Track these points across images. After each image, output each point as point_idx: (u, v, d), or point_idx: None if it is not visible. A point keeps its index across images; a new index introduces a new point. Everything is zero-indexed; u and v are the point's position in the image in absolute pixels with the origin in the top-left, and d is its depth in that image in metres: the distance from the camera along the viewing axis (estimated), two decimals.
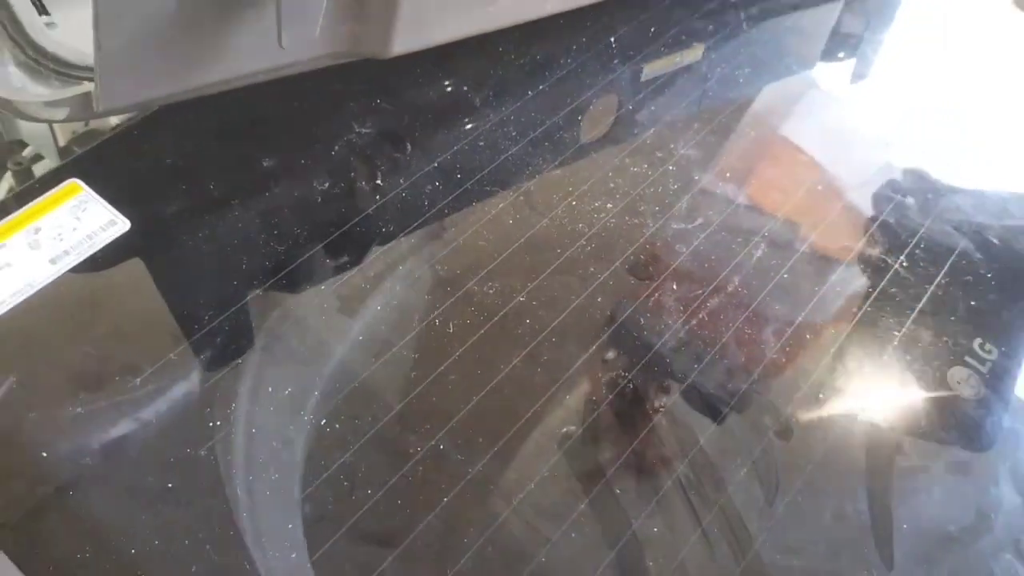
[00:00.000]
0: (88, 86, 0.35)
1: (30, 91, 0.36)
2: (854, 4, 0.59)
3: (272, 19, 0.34)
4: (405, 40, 0.40)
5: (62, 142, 0.44)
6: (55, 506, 0.30)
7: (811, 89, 0.53)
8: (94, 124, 0.45)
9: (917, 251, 0.43)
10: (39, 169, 0.47)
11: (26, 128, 0.47)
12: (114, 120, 0.45)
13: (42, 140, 0.46)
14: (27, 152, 0.47)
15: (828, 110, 0.52)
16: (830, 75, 0.54)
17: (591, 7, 0.47)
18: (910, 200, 0.45)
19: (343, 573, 0.30)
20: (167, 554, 0.29)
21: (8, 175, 0.49)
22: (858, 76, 0.54)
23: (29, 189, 0.37)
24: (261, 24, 0.34)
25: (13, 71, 0.36)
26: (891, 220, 0.44)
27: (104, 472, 0.31)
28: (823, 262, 0.42)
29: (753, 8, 0.54)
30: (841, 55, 0.56)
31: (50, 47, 0.37)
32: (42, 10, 0.38)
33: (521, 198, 0.41)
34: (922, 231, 0.44)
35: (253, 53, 0.35)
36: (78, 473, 0.30)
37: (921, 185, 0.46)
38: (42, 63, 0.37)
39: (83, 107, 0.35)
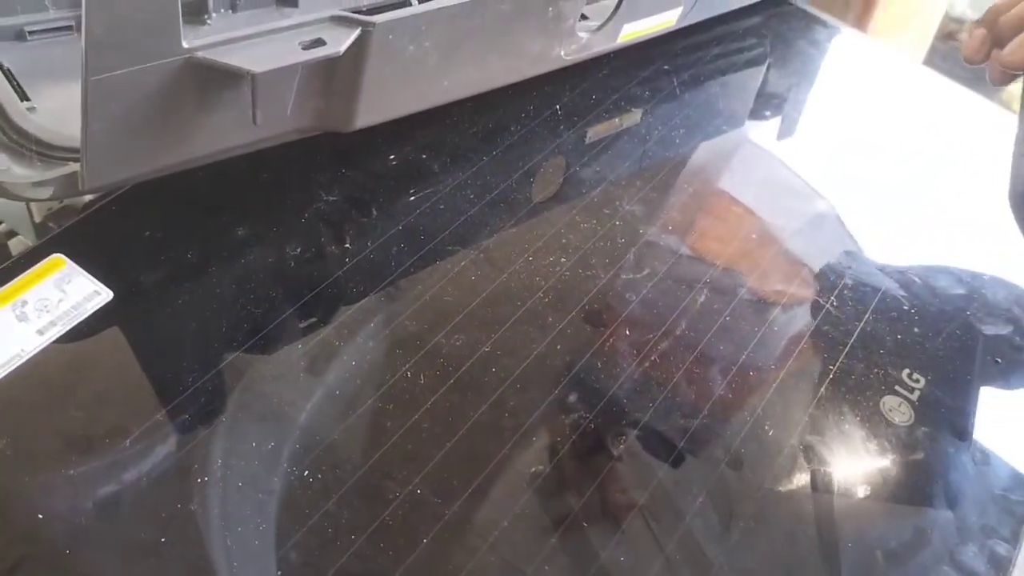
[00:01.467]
0: (73, 166, 0.37)
1: (15, 172, 0.38)
2: (777, 67, 0.63)
3: (247, 101, 0.37)
4: (367, 116, 0.43)
5: (38, 218, 0.46)
6: (54, 565, 0.31)
7: (742, 145, 0.57)
8: (68, 201, 0.47)
9: (846, 291, 0.47)
10: (14, 244, 0.48)
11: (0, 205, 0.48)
12: (88, 196, 0.47)
13: (16, 217, 0.47)
14: (1, 228, 0.49)
15: (759, 165, 0.56)
16: (759, 132, 0.58)
17: (536, 79, 0.51)
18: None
19: None
20: None
21: None
22: (784, 133, 0.59)
23: (12, 266, 0.39)
24: (237, 105, 0.37)
25: None
26: (820, 264, 0.48)
27: (100, 530, 0.32)
28: (761, 305, 0.45)
29: (684, 74, 0.58)
30: (768, 114, 0.60)
31: (31, 130, 0.39)
32: (23, 96, 0.41)
33: (481, 255, 0.44)
34: (849, 272, 0.48)
35: (229, 131, 0.38)
36: (74, 532, 0.32)
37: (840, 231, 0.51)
38: (25, 145, 0.39)
39: (67, 186, 0.37)
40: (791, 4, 0.69)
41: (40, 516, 0.32)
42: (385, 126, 0.45)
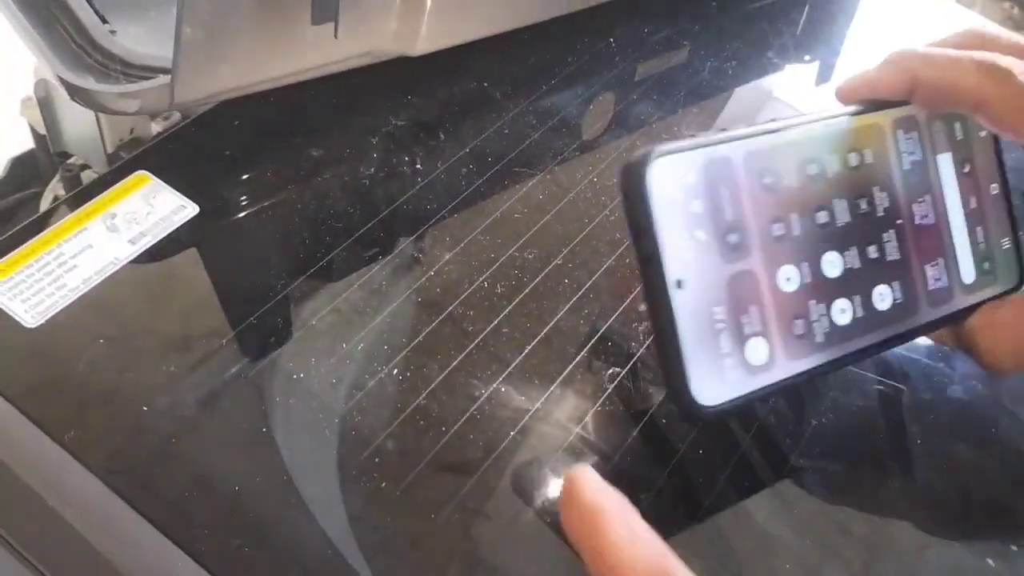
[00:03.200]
0: (162, 79, 0.38)
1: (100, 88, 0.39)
2: (816, 7, 0.64)
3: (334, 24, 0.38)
4: (432, 40, 0.44)
5: (110, 149, 0.47)
6: (160, 454, 0.32)
7: (784, 82, 0.58)
8: (138, 132, 0.48)
9: None
10: (85, 177, 0.49)
11: (71, 139, 0.49)
12: (155, 127, 0.49)
13: (87, 149, 0.49)
14: (72, 161, 0.50)
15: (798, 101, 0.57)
16: (804, 71, 0.59)
17: (588, 13, 0.52)
18: None
19: (429, 499, 0.33)
20: (267, 490, 0.32)
21: (53, 184, 0.52)
22: (823, 74, 0.59)
23: (98, 182, 0.40)
24: (326, 26, 0.38)
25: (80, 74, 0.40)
26: None
27: (201, 421, 0.34)
28: None
29: (732, 11, 0.59)
30: (808, 57, 0.61)
31: (115, 50, 0.40)
32: (103, 19, 0.42)
33: (548, 176, 0.45)
34: None
35: (312, 48, 0.39)
36: (178, 424, 0.33)
37: None
38: (110, 65, 0.40)
39: (155, 99, 0.38)
40: None
41: (145, 408, 0.33)
42: (446, 57, 0.45)
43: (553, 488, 0.34)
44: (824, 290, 0.32)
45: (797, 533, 0.35)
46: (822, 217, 0.32)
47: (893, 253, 0.34)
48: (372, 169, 0.43)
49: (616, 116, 0.50)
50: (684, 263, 0.29)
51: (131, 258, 0.37)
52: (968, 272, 0.36)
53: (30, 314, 0.35)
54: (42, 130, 0.50)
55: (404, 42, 0.42)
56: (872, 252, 0.33)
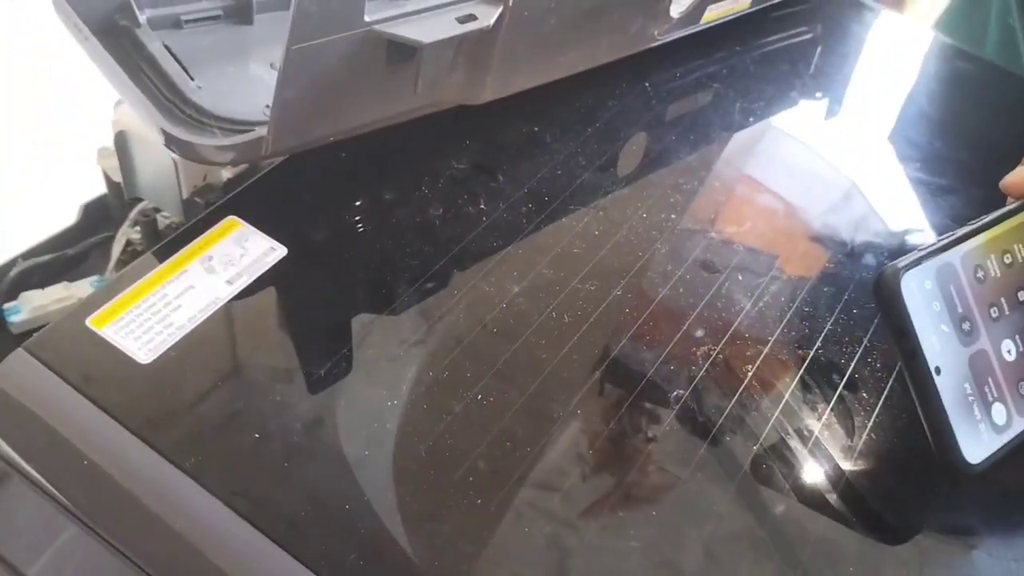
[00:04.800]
0: (258, 132, 0.41)
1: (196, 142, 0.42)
2: (827, 48, 0.68)
3: (410, 71, 0.41)
4: (495, 89, 0.47)
5: (185, 195, 0.50)
6: (276, 476, 0.35)
7: (806, 118, 0.62)
8: (210, 178, 0.51)
9: None
10: (159, 221, 0.52)
11: (145, 186, 0.52)
12: (226, 174, 0.52)
13: (162, 195, 0.52)
14: (145, 205, 0.53)
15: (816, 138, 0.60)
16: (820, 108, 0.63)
17: (625, 60, 0.56)
18: None
19: (521, 513, 0.36)
20: (374, 508, 0.35)
21: (124, 229, 0.55)
22: (835, 111, 0.63)
23: (192, 228, 0.43)
24: (401, 75, 0.41)
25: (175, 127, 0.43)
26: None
27: (310, 446, 0.36)
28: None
29: (755, 54, 0.63)
30: (819, 95, 0.65)
31: (206, 105, 0.44)
32: (191, 76, 0.45)
33: (600, 213, 0.48)
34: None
35: (392, 100, 0.43)
36: (289, 448, 0.36)
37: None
38: (203, 119, 0.43)
39: (249, 151, 0.41)
40: None
41: (257, 436, 0.36)
42: (500, 103, 0.49)
43: (629, 501, 0.37)
44: None
45: (857, 538, 0.38)
46: (1022, 296, 0.41)
47: None
48: (440, 210, 0.46)
49: (656, 155, 0.54)
50: (937, 352, 0.37)
51: (230, 297, 0.40)
52: None
53: (143, 351, 0.38)
54: (116, 177, 0.53)
55: (470, 94, 0.46)
56: None
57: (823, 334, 0.44)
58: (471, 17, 0.41)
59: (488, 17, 0.42)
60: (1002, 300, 0.40)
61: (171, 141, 0.41)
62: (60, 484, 0.35)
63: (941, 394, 0.37)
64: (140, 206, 0.53)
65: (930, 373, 0.37)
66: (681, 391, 0.41)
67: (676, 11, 0.54)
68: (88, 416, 0.36)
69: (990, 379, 0.39)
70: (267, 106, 0.41)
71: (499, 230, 0.46)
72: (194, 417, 0.36)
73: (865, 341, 0.44)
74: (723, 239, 0.49)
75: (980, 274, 0.40)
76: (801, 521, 0.38)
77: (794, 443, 0.40)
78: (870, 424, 0.41)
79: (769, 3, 0.62)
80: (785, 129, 0.60)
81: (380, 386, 0.39)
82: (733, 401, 0.41)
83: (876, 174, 0.57)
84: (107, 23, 0.45)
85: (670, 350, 0.42)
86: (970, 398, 0.38)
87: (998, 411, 0.39)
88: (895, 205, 0.56)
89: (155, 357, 0.38)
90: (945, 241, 0.39)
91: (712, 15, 0.57)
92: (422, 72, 0.41)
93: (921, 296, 0.37)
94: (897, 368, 0.43)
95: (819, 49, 0.69)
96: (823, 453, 0.40)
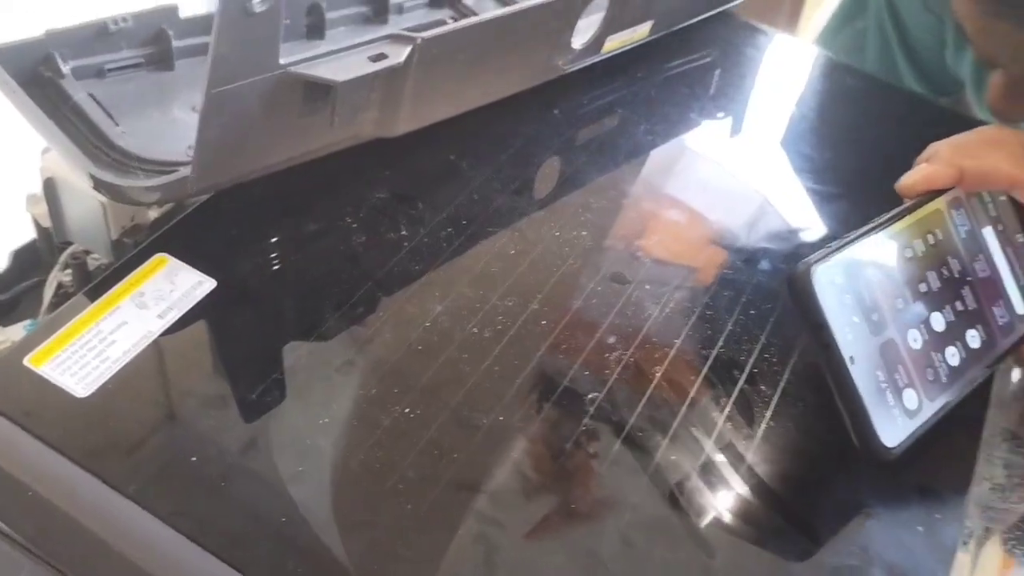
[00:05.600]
0: (181, 172, 0.43)
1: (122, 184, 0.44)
2: (725, 69, 0.73)
3: (325, 108, 0.44)
4: (408, 123, 0.50)
5: (114, 236, 0.52)
6: (214, 494, 0.37)
7: (702, 140, 0.66)
8: (137, 219, 0.53)
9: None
10: (90, 262, 0.54)
11: (74, 229, 0.54)
12: (152, 214, 0.53)
13: (91, 237, 0.53)
14: (75, 248, 0.54)
15: (714, 156, 0.65)
16: (717, 128, 0.67)
17: (536, 90, 0.59)
18: None
19: (450, 515, 0.38)
20: (309, 519, 0.37)
21: (55, 273, 0.56)
22: (736, 129, 0.68)
23: (122, 267, 0.45)
24: (317, 112, 0.44)
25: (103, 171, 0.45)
26: None
27: (246, 464, 0.38)
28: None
29: (657, 79, 0.67)
30: (721, 114, 0.69)
31: (131, 149, 0.46)
32: (115, 122, 0.47)
33: (516, 233, 0.51)
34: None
35: (310, 136, 0.45)
36: (226, 469, 0.38)
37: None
38: (129, 163, 0.45)
39: (174, 190, 0.43)
40: (734, 18, 0.79)
41: (194, 459, 0.38)
42: (417, 133, 0.52)
43: (550, 497, 0.40)
44: (938, 342, 0.43)
45: (760, 518, 0.41)
46: (923, 288, 0.44)
47: (972, 303, 0.46)
48: (363, 238, 0.49)
49: (567, 177, 0.57)
50: (850, 343, 0.40)
51: (162, 331, 0.42)
52: (1019, 305, 0.48)
53: (80, 385, 0.39)
54: (46, 223, 0.54)
55: (385, 127, 0.49)
56: (959, 306, 0.45)
57: (724, 335, 0.48)
58: (382, 56, 0.44)
59: (398, 55, 0.44)
60: (906, 291, 0.43)
61: (99, 184, 0.42)
62: (9, 519, 0.36)
63: (856, 382, 0.40)
64: (70, 249, 0.54)
65: (845, 363, 0.40)
66: (596, 394, 0.44)
67: (578, 43, 0.58)
68: (31, 450, 0.37)
69: (900, 367, 0.42)
70: (190, 147, 0.43)
71: (420, 254, 0.49)
72: (133, 444, 0.38)
73: (763, 339, 0.48)
74: (631, 252, 0.52)
75: (885, 268, 0.42)
76: (709, 506, 0.41)
77: (700, 435, 0.43)
78: (769, 414, 0.45)
79: (667, 31, 0.67)
80: (688, 147, 0.64)
81: (311, 406, 0.41)
82: (644, 400, 0.44)
83: (772, 185, 0.62)
84: (32, 75, 0.46)
85: (585, 357, 0.46)
86: (883, 385, 0.41)
87: (909, 396, 0.41)
88: (790, 213, 0.60)
89: (93, 391, 0.39)
90: (851, 237, 0.42)
91: (612, 45, 0.61)
92: (338, 109, 0.44)
93: (832, 290, 0.40)
94: (792, 361, 0.47)
95: (717, 71, 0.74)
96: (727, 443, 0.43)
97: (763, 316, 0.49)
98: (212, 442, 0.39)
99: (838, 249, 0.41)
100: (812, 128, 0.69)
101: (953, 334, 0.44)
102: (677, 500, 0.41)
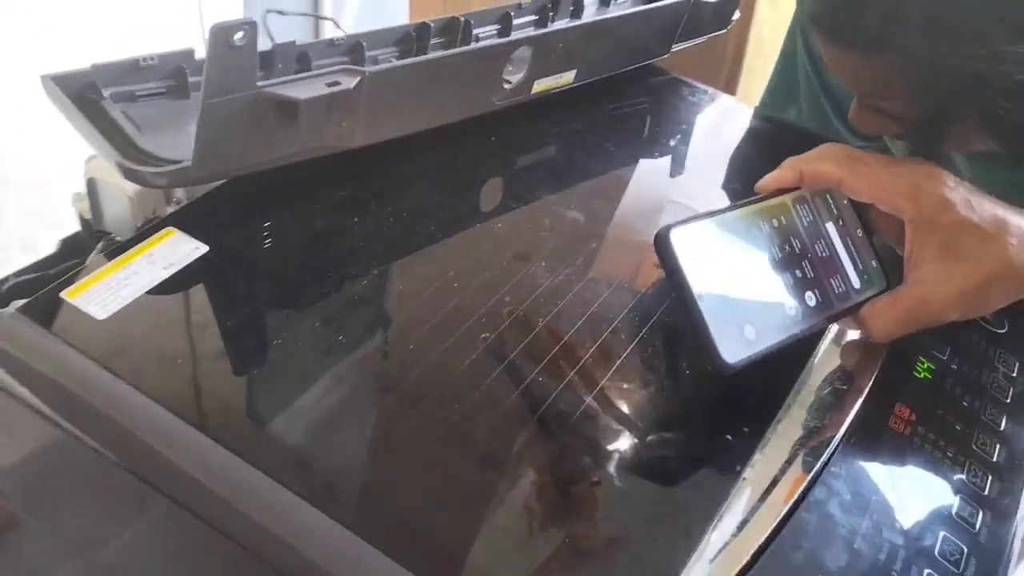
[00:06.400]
0: (183, 164, 0.58)
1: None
2: (657, 118, 0.87)
3: (295, 120, 0.59)
4: (365, 137, 0.65)
5: (138, 225, 0.67)
6: (191, 380, 0.51)
7: (640, 174, 0.80)
8: (158, 212, 0.68)
9: None
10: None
11: (110, 221, 0.69)
12: (169, 209, 0.69)
13: (122, 227, 0.69)
14: (108, 238, 0.70)
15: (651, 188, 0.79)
16: (650, 166, 0.81)
17: (479, 119, 0.74)
18: None
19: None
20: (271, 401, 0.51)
21: (93, 256, 0.71)
22: (673, 170, 0.82)
23: (139, 235, 0.60)
24: (289, 124, 0.59)
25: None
26: None
27: (220, 369, 0.52)
28: None
29: (583, 121, 0.82)
30: (656, 153, 0.84)
31: (150, 149, 0.61)
32: (140, 130, 0.63)
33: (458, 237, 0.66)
34: None
35: (284, 143, 0.60)
36: (203, 367, 0.52)
37: None
38: (149, 160, 0.61)
39: (178, 177, 0.58)
40: (667, 74, 0.94)
41: (179, 361, 0.52)
42: (377, 147, 0.67)
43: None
44: (779, 295, 0.57)
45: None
46: (766, 255, 0.57)
47: (809, 273, 0.59)
48: (327, 227, 0.64)
49: (507, 196, 0.72)
50: (700, 285, 0.53)
51: (163, 279, 0.57)
52: (855, 281, 0.62)
53: (99, 310, 0.54)
54: (87, 216, 0.70)
55: (345, 140, 0.64)
56: (799, 273, 0.58)
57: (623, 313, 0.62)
58: (336, 83, 0.60)
59: (350, 83, 0.60)
60: (750, 256, 0.57)
61: (124, 170, 0.58)
62: (43, 396, 0.51)
63: (704, 315, 0.53)
64: (106, 237, 0.69)
65: (695, 299, 0.53)
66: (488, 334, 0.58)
67: (509, 83, 0.73)
68: (61, 352, 0.52)
69: (742, 307, 0.55)
70: None
71: (376, 245, 0.64)
72: (136, 347, 0.53)
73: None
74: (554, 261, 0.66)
75: (735, 237, 0.56)
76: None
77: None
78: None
79: (591, 79, 0.82)
80: (624, 182, 0.78)
81: (269, 330, 0.55)
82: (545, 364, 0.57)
83: (682, 202, 0.76)
84: (80, 97, 0.62)
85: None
86: (726, 319, 0.54)
87: (748, 330, 0.54)
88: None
89: (108, 315, 0.54)
90: (707, 212, 0.56)
91: (540, 87, 0.76)
92: (302, 122, 0.59)
93: (687, 247, 0.53)
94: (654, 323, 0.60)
95: (649, 117, 0.89)
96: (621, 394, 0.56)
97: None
98: (191, 346, 0.53)
99: (695, 218, 0.55)
100: (708, 159, 0.83)
101: (793, 292, 0.57)
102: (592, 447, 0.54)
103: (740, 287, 0.55)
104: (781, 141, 0.88)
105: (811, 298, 0.58)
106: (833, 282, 0.60)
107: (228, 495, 0.46)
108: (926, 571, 0.50)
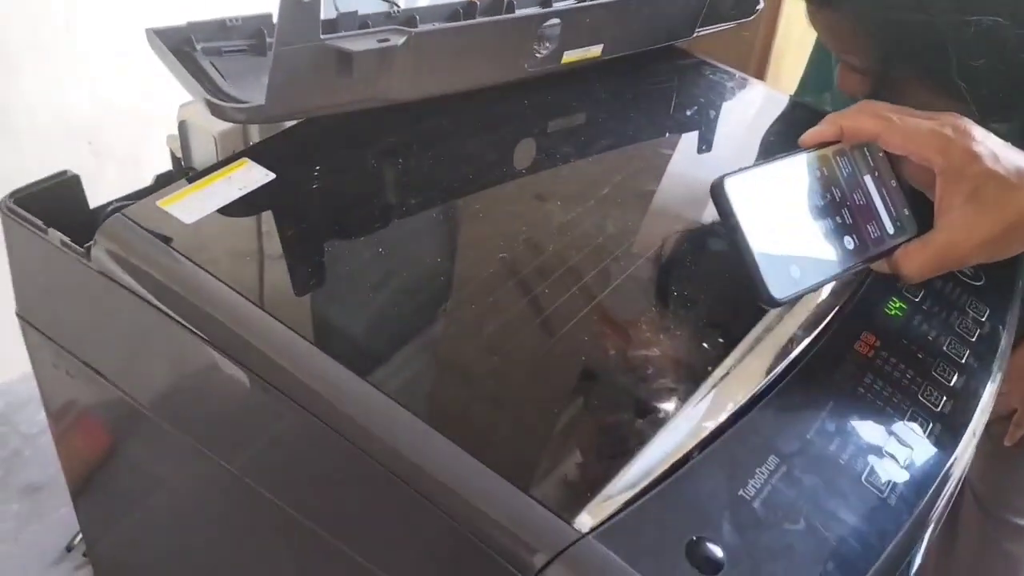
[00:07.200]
0: (258, 102, 0.70)
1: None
2: (684, 97, 0.97)
3: (351, 70, 0.71)
4: (409, 93, 0.77)
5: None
6: (263, 273, 0.63)
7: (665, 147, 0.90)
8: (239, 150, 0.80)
9: None
10: None
11: (197, 158, 0.82)
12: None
13: (206, 162, 0.81)
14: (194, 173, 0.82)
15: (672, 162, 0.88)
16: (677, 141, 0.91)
17: (516, 84, 0.85)
18: None
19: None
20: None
21: None
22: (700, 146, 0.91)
23: (220, 163, 0.72)
24: (346, 73, 0.71)
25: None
26: None
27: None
28: None
29: (610, 89, 0.92)
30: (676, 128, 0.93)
31: (232, 92, 0.73)
32: (224, 78, 0.75)
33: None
34: None
35: (341, 92, 0.72)
36: (265, 257, 0.64)
37: None
38: (229, 100, 0.73)
39: (253, 113, 0.70)
40: (693, 56, 1.04)
41: (248, 258, 0.64)
42: (421, 103, 0.78)
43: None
44: (821, 239, 0.64)
45: None
46: (810, 202, 0.64)
47: (848, 219, 0.66)
48: (374, 163, 0.75)
49: (534, 149, 0.82)
50: (751, 227, 0.59)
51: (237, 197, 0.69)
52: (889, 227, 0.69)
53: (187, 216, 0.66)
54: (179, 154, 0.83)
55: (393, 93, 0.75)
56: (838, 219, 0.65)
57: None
58: (387, 39, 0.71)
59: (398, 40, 0.71)
60: (797, 202, 0.62)
61: (211, 106, 0.70)
62: (138, 284, 0.63)
63: (755, 254, 0.58)
64: (192, 173, 0.82)
65: (747, 240, 0.58)
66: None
67: (541, 53, 0.84)
68: (156, 247, 0.64)
69: (791, 247, 0.60)
70: None
71: (418, 177, 0.75)
72: (214, 245, 0.65)
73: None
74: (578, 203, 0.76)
75: (783, 183, 0.61)
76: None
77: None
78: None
79: (617, 55, 0.92)
80: (654, 152, 0.88)
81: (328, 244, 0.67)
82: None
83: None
84: (178, 50, 0.75)
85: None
86: (775, 258, 0.58)
87: (794, 269, 0.61)
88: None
89: (193, 220, 0.66)
90: (758, 164, 0.61)
91: (569, 59, 0.86)
92: (355, 72, 0.70)
93: (739, 194, 0.58)
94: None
95: (675, 95, 0.98)
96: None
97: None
98: (259, 247, 0.65)
99: (746, 169, 0.62)
100: (730, 136, 0.92)
101: (834, 236, 0.64)
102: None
103: (787, 231, 0.60)
104: (794, 115, 0.96)
105: (849, 242, 0.65)
106: (869, 228, 0.67)
107: (278, 358, 0.58)
108: (871, 458, 0.59)
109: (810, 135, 0.69)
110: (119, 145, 1.73)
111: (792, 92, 1.18)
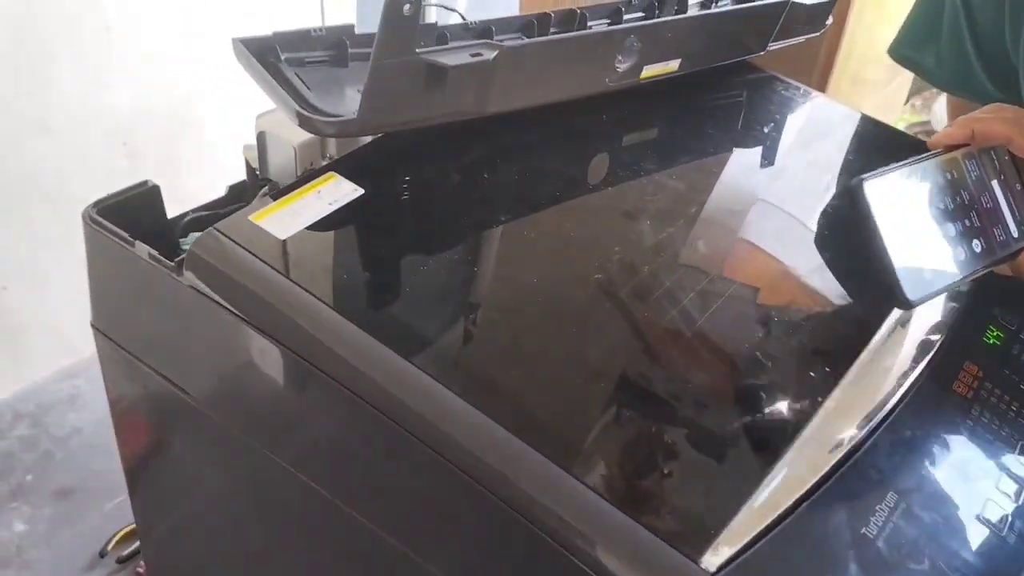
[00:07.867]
0: (349, 116, 0.69)
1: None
2: (752, 112, 0.95)
3: (444, 85, 0.69)
4: (495, 105, 0.75)
5: (299, 173, 0.78)
6: (343, 278, 0.61)
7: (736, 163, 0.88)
8: (315, 164, 0.79)
9: None
10: None
11: (274, 170, 0.80)
12: (324, 162, 0.80)
13: (284, 175, 0.80)
14: (270, 184, 0.81)
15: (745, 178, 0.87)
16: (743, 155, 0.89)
17: (597, 98, 0.83)
18: None
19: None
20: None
21: (256, 201, 0.82)
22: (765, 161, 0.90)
23: (306, 176, 0.71)
24: (438, 88, 0.69)
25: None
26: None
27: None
28: None
29: (687, 104, 0.91)
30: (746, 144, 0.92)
31: (318, 104, 0.72)
32: (310, 89, 0.73)
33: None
34: None
35: (432, 105, 0.70)
36: (345, 265, 0.62)
37: None
38: (315, 112, 0.71)
39: (343, 127, 0.69)
40: (762, 71, 1.02)
41: (345, 276, 0.62)
42: (506, 116, 0.77)
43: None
44: (951, 243, 0.64)
45: None
46: (942, 206, 0.64)
47: (976, 223, 0.66)
48: (460, 177, 0.74)
49: (611, 172, 0.81)
50: (888, 230, 0.59)
51: (328, 213, 0.67)
52: (1014, 230, 0.68)
53: (280, 231, 0.65)
54: (254, 164, 0.81)
55: (480, 106, 0.74)
56: (967, 222, 0.65)
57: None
58: (479, 54, 0.69)
59: (490, 55, 0.70)
60: (929, 206, 0.63)
61: (301, 118, 0.68)
62: (231, 300, 0.62)
63: (891, 255, 0.59)
64: (269, 183, 0.81)
65: (884, 243, 0.59)
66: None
67: (621, 67, 0.82)
68: (248, 262, 0.62)
69: (922, 252, 0.61)
70: (353, 111, 0.69)
71: (514, 202, 0.73)
72: (309, 260, 0.63)
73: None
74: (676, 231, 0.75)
75: (917, 186, 0.61)
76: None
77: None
78: None
79: (695, 69, 0.90)
80: (721, 167, 0.86)
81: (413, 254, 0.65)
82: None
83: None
84: (264, 60, 0.74)
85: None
86: (911, 261, 0.59)
87: (928, 271, 0.61)
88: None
89: (287, 236, 0.64)
90: (891, 167, 0.60)
91: (649, 73, 0.85)
92: (448, 85, 0.69)
93: (876, 196, 0.59)
94: None
95: (744, 110, 0.97)
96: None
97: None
98: (353, 262, 0.63)
99: (882, 172, 0.62)
100: (809, 152, 0.90)
101: (963, 240, 0.64)
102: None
103: (920, 233, 0.61)
104: (868, 139, 0.95)
105: (977, 245, 0.65)
106: (995, 231, 0.67)
107: (385, 382, 0.56)
108: (984, 493, 0.57)
109: (940, 137, 0.69)
110: (154, 146, 1.72)
111: (853, 101, 1.17)
